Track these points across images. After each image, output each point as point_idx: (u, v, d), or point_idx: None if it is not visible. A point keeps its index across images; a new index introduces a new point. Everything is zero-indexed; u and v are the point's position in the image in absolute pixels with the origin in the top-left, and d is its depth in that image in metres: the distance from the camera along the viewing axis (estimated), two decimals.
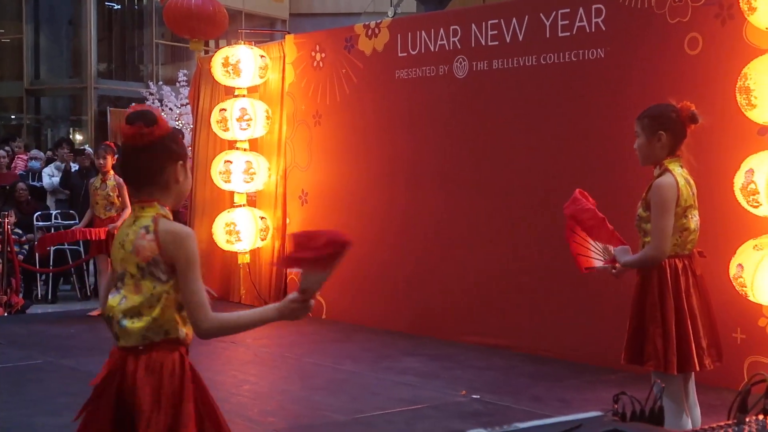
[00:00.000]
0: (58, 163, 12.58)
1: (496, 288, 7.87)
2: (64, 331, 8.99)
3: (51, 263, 11.18)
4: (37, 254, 10.93)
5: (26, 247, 11.06)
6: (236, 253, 10.04)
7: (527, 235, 7.61)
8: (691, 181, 4.35)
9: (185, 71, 19.55)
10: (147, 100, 19.00)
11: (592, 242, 4.47)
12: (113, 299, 2.92)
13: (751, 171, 5.83)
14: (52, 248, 11.15)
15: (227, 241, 9.84)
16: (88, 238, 9.58)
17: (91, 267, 11.35)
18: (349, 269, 9.12)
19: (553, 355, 7.36)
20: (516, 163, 7.76)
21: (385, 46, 8.81)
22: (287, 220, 9.94)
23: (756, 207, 5.84)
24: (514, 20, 7.72)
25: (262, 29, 22.02)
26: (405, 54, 8.62)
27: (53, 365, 7.40)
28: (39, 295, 11.24)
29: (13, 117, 26.63)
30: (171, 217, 2.97)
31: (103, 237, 9.35)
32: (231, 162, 9.77)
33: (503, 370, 7.10)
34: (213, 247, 10.02)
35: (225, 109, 9.82)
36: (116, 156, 10.09)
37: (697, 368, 4.28)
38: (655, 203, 4.23)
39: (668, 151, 4.32)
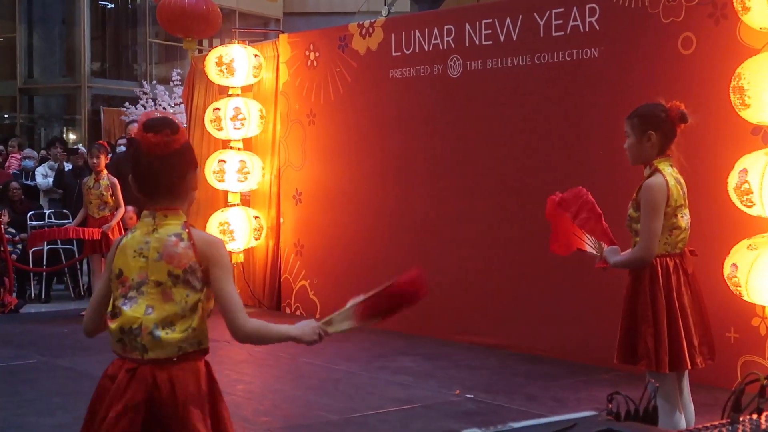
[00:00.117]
0: (51, 162, 12.56)
1: (490, 287, 7.88)
2: (58, 330, 8.98)
3: (44, 263, 11.15)
4: (30, 254, 10.91)
5: (19, 246, 11.03)
6: (230, 252, 10.01)
7: (522, 235, 7.60)
8: (682, 181, 4.36)
9: (179, 70, 19.53)
10: (141, 100, 18.98)
11: (586, 234, 4.50)
12: (134, 309, 2.83)
13: (744, 171, 5.84)
14: (46, 248, 11.13)
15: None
16: (82, 237, 9.57)
17: (85, 266, 11.33)
18: (343, 268, 9.15)
19: (548, 354, 7.37)
20: (510, 162, 7.76)
21: (379, 45, 8.81)
22: (281, 220, 9.93)
23: (750, 207, 5.84)
24: (508, 20, 7.72)
25: (256, 28, 21.99)
26: (399, 53, 8.62)
27: (47, 365, 7.38)
28: (32, 295, 11.21)
29: (6, 116, 26.56)
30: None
31: (96, 237, 9.34)
32: (225, 161, 9.76)
33: (497, 370, 7.11)
34: None
35: (219, 109, 9.81)
36: (109, 155, 10.08)
37: (689, 367, 4.29)
38: (645, 204, 4.24)
39: (658, 150, 4.33)
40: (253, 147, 10.10)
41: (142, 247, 2.88)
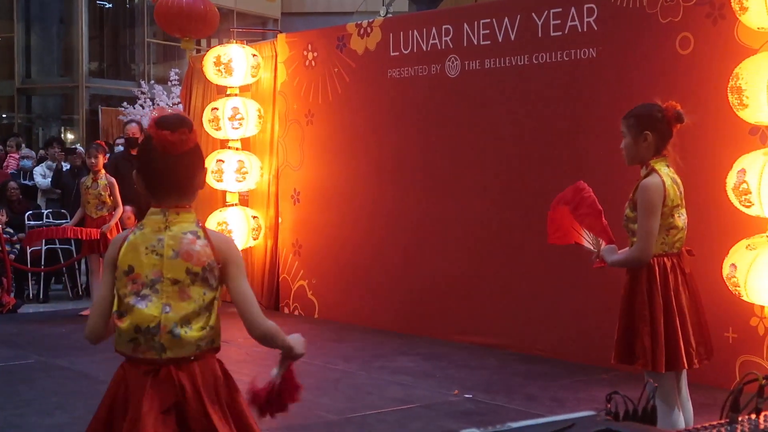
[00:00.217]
0: (49, 162, 12.55)
1: (488, 287, 7.88)
2: (56, 330, 8.97)
3: (42, 263, 11.14)
4: (28, 253, 10.90)
5: (17, 246, 11.02)
6: None
7: (520, 234, 7.60)
8: (678, 181, 4.37)
9: (177, 70, 19.53)
10: (139, 100, 18.97)
11: (584, 230, 4.50)
12: (150, 308, 2.78)
13: (743, 171, 5.84)
14: (44, 248, 11.12)
15: None
16: (80, 237, 9.56)
17: (83, 266, 11.32)
18: (341, 268, 9.15)
19: (547, 354, 7.37)
20: (508, 161, 7.76)
21: (377, 45, 8.81)
22: (279, 220, 9.93)
23: (748, 207, 5.85)
24: (506, 20, 7.72)
25: (254, 28, 21.98)
26: (397, 53, 8.62)
27: (45, 365, 7.37)
28: (30, 295, 11.20)
29: (4, 116, 26.55)
30: None
31: (94, 237, 9.33)
32: (223, 161, 9.75)
33: (496, 370, 7.11)
34: None
35: (217, 108, 9.81)
36: (107, 155, 10.07)
37: (686, 366, 4.29)
38: (642, 204, 4.25)
39: (654, 150, 4.33)
40: (252, 147, 10.10)
41: (154, 244, 2.82)
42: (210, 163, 9.84)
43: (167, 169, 2.85)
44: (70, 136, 24.73)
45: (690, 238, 4.46)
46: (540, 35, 7.48)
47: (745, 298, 5.88)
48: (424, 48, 8.39)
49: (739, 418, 1.90)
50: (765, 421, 1.89)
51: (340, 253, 9.19)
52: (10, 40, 25.10)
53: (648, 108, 4.42)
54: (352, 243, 9.06)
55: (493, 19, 7.83)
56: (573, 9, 7.24)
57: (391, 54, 8.67)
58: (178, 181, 2.88)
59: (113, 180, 9.47)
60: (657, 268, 4.28)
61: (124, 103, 19.29)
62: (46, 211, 11.75)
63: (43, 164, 12.62)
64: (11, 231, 11.03)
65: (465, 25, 8.04)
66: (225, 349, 2.97)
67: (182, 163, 2.86)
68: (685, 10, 6.54)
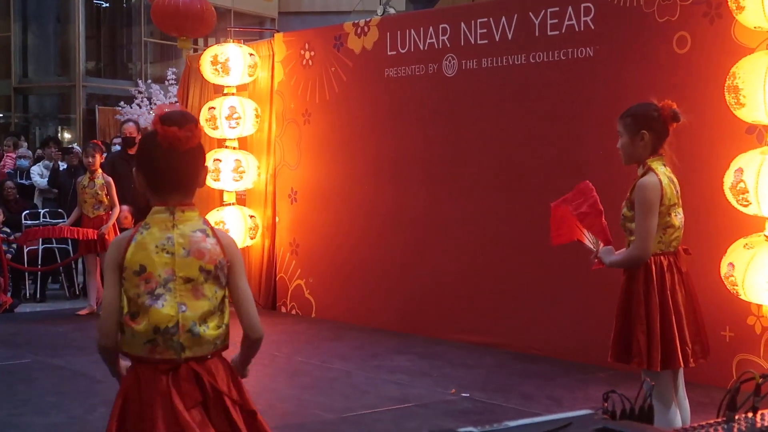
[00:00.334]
0: (46, 161, 12.54)
1: (486, 286, 7.88)
2: (53, 330, 8.97)
3: (39, 262, 11.13)
4: (25, 253, 10.89)
5: (14, 245, 11.01)
6: None
7: (518, 234, 7.61)
8: (675, 180, 4.37)
9: (174, 69, 19.50)
10: (136, 99, 18.95)
11: (585, 230, 4.51)
12: (167, 308, 2.73)
13: (740, 170, 5.85)
14: (41, 247, 11.11)
15: None
16: (77, 237, 9.55)
17: (80, 266, 11.31)
18: (338, 267, 9.15)
19: (544, 353, 7.37)
20: (505, 161, 7.76)
21: (374, 44, 8.81)
22: (276, 219, 9.93)
23: (746, 206, 5.85)
24: (503, 19, 7.73)
25: (251, 27, 21.98)
26: (394, 52, 8.62)
27: (42, 364, 7.37)
28: (27, 294, 11.19)
29: (1, 115, 26.51)
30: None
31: (91, 237, 9.32)
32: (220, 160, 9.75)
33: (493, 368, 7.11)
34: None
35: (214, 108, 9.80)
36: (104, 155, 10.06)
37: (681, 365, 4.29)
38: (639, 203, 4.25)
39: (651, 150, 4.33)
40: (249, 146, 10.09)
41: (164, 242, 2.78)
42: (207, 162, 9.81)
43: (171, 166, 2.81)
44: (67, 136, 24.68)
45: (687, 237, 4.46)
46: (537, 34, 7.48)
47: (742, 297, 5.88)
48: (422, 47, 8.38)
49: (736, 417, 1.90)
50: (762, 419, 1.89)
51: (337, 253, 9.18)
52: (6, 39, 25.05)
53: (645, 107, 4.42)
54: (349, 242, 9.06)
55: (490, 19, 7.83)
56: (570, 8, 7.24)
57: (389, 53, 8.67)
58: (183, 179, 2.85)
59: (110, 179, 9.47)
60: (654, 267, 4.28)
61: (121, 103, 19.27)
62: (43, 211, 11.74)
63: (40, 163, 12.61)
64: (8, 230, 11.01)
65: (462, 24, 8.04)
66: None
67: (187, 160, 2.83)
68: (682, 9, 6.54)
